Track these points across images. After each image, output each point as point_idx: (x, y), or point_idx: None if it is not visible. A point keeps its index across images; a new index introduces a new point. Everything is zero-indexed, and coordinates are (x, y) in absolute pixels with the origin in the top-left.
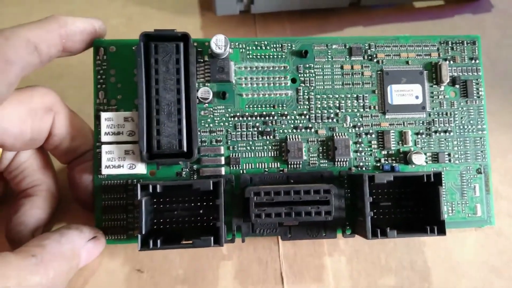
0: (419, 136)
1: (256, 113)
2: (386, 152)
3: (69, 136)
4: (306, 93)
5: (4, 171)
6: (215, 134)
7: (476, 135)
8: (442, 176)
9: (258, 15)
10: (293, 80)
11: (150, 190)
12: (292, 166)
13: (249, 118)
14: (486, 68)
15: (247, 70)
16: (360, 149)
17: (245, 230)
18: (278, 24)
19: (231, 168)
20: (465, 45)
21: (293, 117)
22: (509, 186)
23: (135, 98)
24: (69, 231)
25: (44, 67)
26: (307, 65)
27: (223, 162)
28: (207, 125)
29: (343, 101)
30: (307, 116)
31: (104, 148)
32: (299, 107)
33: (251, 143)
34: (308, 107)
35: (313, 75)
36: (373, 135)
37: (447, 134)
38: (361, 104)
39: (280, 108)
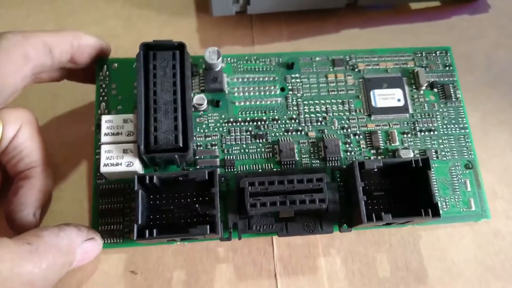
0: (405, 135)
1: (248, 119)
2: (375, 151)
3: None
4: (294, 100)
5: (1, 153)
6: (210, 138)
7: (459, 133)
8: (432, 171)
9: (254, 16)
10: (282, 89)
11: (147, 181)
12: (285, 166)
13: (242, 123)
14: (483, 67)
15: (239, 81)
16: (350, 148)
17: (241, 227)
18: (274, 25)
19: (226, 170)
20: (438, 54)
21: (284, 121)
22: (506, 186)
23: (134, 107)
24: (68, 227)
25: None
26: (294, 76)
27: (218, 164)
28: (202, 131)
29: (329, 106)
30: (297, 120)
31: (104, 147)
32: (289, 112)
33: (244, 146)
34: (297, 112)
35: (300, 84)
36: (361, 136)
37: (432, 133)
38: (347, 108)
39: (271, 113)
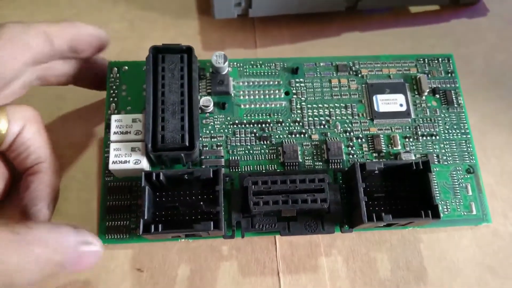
0: (406, 139)
1: (253, 121)
2: (377, 154)
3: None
4: (298, 104)
5: (8, 148)
6: (215, 139)
7: (461, 138)
8: (434, 174)
9: (257, 19)
10: (287, 93)
11: (154, 178)
12: (288, 168)
13: (247, 125)
14: (482, 70)
15: (244, 85)
16: (352, 151)
17: (244, 226)
18: (276, 28)
19: (231, 170)
20: (440, 61)
21: (287, 124)
22: (504, 186)
23: (143, 109)
24: (65, 226)
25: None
26: (298, 80)
27: (223, 164)
28: (208, 132)
29: (332, 110)
30: (301, 123)
31: (112, 145)
32: (292, 115)
33: (249, 147)
34: (301, 115)
35: (304, 88)
36: (364, 139)
37: (434, 137)
38: (350, 112)
39: (276, 116)
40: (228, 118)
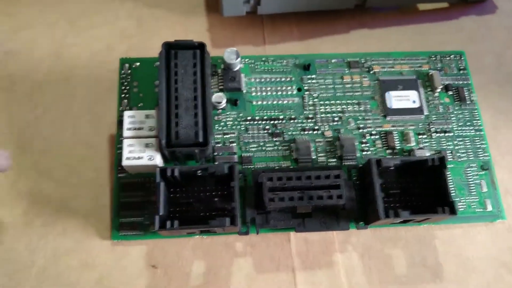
0: (420, 136)
1: (265, 117)
2: (391, 151)
3: None
4: (311, 100)
5: None
6: (228, 136)
7: (474, 135)
8: (448, 171)
9: (265, 16)
10: (299, 89)
11: (168, 174)
12: (301, 164)
13: (260, 122)
14: (494, 67)
15: (256, 81)
16: (366, 148)
17: (259, 222)
18: (285, 25)
19: (244, 166)
20: (452, 58)
21: (300, 121)
22: None
23: (155, 105)
24: None
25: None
26: (310, 77)
27: (236, 160)
28: (220, 129)
29: (345, 106)
30: (314, 120)
31: (126, 142)
32: (305, 111)
33: (262, 144)
34: (314, 111)
35: (317, 84)
36: (377, 136)
37: (447, 134)
38: (363, 109)
39: (288, 112)
40: (240, 114)
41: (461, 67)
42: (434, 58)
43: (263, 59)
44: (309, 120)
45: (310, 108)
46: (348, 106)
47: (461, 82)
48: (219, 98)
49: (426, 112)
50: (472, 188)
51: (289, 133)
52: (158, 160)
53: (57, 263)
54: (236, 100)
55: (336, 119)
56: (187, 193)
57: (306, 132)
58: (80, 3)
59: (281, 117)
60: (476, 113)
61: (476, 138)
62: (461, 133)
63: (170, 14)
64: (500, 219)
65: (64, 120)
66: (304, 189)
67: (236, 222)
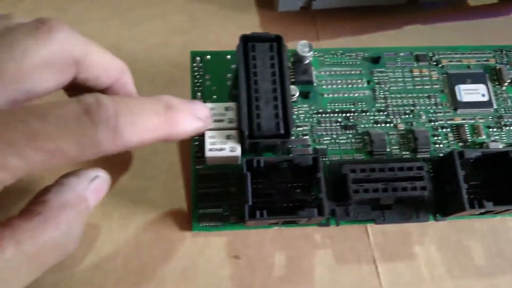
0: (490, 129)
1: (337, 110)
2: (463, 144)
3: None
4: (381, 93)
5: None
6: (301, 129)
7: None
8: None
9: (317, 11)
10: (369, 82)
11: (255, 165)
12: (376, 157)
13: (332, 115)
14: None
15: (326, 74)
16: (438, 141)
17: (339, 214)
18: (336, 20)
19: None
20: None
21: (372, 113)
22: None
23: (228, 99)
24: (67, 179)
25: None
26: (380, 70)
27: (311, 153)
28: None
29: (416, 100)
30: (385, 112)
31: (208, 133)
32: (377, 104)
33: (335, 136)
34: (385, 104)
35: (387, 78)
36: (448, 129)
37: None
38: (433, 102)
39: (360, 105)
40: (312, 107)
41: None
42: (499, 52)
43: (331, 52)
44: (381, 113)
45: (381, 101)
46: (419, 99)
47: None
48: (293, 91)
49: (495, 106)
50: None
51: (362, 125)
52: (239, 152)
53: (141, 254)
54: (308, 92)
55: (407, 112)
56: (268, 184)
57: (378, 125)
58: None
59: (352, 109)
60: None
61: None
62: None
63: (221, 9)
64: None
65: None
66: (388, 181)
67: (324, 212)
